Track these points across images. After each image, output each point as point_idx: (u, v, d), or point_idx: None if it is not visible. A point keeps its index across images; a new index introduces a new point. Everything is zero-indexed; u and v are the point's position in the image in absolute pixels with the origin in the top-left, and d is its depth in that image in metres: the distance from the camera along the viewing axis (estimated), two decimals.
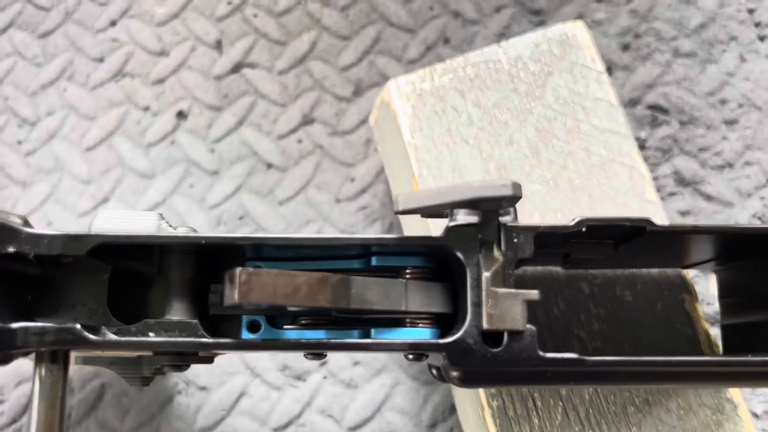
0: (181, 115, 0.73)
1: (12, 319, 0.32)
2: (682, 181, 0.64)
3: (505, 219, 0.33)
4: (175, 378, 0.65)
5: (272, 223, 0.69)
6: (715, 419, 0.45)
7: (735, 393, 0.46)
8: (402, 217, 0.61)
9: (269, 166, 0.71)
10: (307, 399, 0.63)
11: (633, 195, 0.50)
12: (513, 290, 0.32)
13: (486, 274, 0.32)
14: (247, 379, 0.64)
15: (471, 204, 0.31)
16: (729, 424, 0.45)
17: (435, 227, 0.51)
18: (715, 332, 0.49)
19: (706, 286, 0.61)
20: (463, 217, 0.34)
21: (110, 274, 0.36)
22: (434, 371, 0.40)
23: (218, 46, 0.75)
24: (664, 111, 0.67)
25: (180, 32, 0.76)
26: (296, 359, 0.64)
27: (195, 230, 0.37)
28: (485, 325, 0.31)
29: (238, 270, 0.29)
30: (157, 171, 0.72)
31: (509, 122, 0.52)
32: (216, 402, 0.64)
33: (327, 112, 0.72)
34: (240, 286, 0.29)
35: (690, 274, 0.49)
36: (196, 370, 0.65)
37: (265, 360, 0.64)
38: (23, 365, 0.67)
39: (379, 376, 0.63)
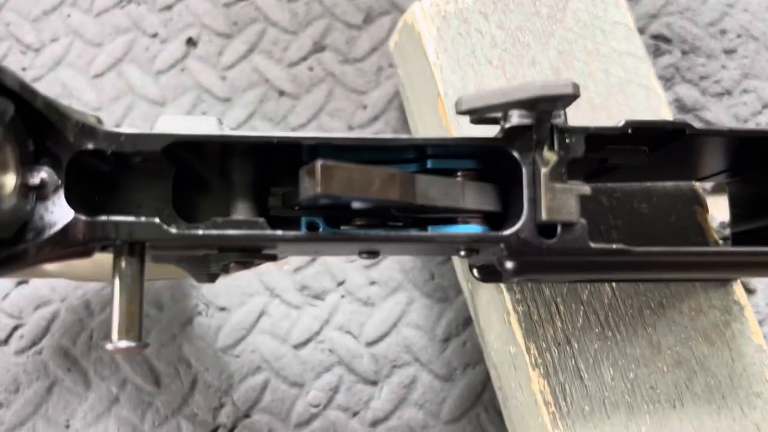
0: (191, 42, 0.73)
1: (89, 215, 0.33)
2: (683, 108, 0.67)
3: (557, 121, 0.36)
4: (195, 299, 0.67)
5: None
6: (723, 319, 0.49)
7: (741, 295, 0.50)
8: (419, 133, 0.63)
9: (281, 93, 0.72)
10: (326, 317, 0.66)
11: (649, 114, 0.52)
12: (568, 185, 0.34)
13: (544, 170, 0.34)
14: (267, 299, 0.66)
15: (530, 104, 0.33)
16: (736, 323, 0.49)
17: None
18: None
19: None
20: (517, 119, 0.36)
21: (173, 177, 0.38)
22: (475, 271, 0.42)
23: None
24: (667, 41, 0.69)
25: None
26: (314, 279, 0.66)
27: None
28: (544, 217, 0.34)
29: (320, 162, 0.31)
30: (168, 98, 0.72)
31: (531, 44, 0.54)
32: (236, 322, 0.66)
33: (338, 40, 0.72)
34: (322, 178, 0.31)
35: (701, 188, 0.52)
36: (215, 291, 0.67)
37: (283, 281, 0.67)
38: (41, 289, 0.68)
39: (394, 295, 0.66)
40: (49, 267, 0.54)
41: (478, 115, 0.36)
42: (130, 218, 0.33)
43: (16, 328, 0.67)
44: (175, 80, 0.72)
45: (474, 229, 0.36)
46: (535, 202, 0.34)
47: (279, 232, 0.34)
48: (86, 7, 0.75)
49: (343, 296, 0.66)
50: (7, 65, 0.71)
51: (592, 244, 0.34)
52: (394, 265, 0.67)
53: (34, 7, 0.75)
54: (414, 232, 0.36)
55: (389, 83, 0.70)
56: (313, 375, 0.65)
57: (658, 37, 0.69)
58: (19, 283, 0.68)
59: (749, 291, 0.64)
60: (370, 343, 0.65)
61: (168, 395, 0.65)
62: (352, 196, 0.32)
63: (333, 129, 0.70)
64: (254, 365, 0.65)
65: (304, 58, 0.72)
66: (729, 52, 0.69)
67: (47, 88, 0.73)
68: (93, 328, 0.67)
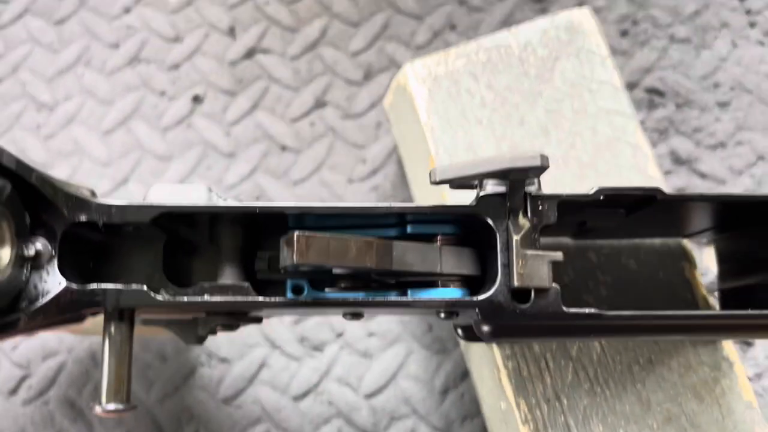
0: (197, 99, 0.76)
1: (81, 282, 0.35)
2: (678, 160, 0.68)
3: (530, 189, 0.37)
4: (197, 350, 0.68)
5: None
6: (713, 376, 0.49)
7: (731, 352, 0.50)
8: (417, 194, 0.64)
9: (283, 148, 0.74)
10: (325, 368, 0.67)
11: (636, 171, 0.53)
12: (540, 252, 0.35)
13: (516, 238, 0.35)
14: (267, 351, 0.68)
15: (502, 174, 0.35)
16: (725, 380, 0.49)
17: (451, 201, 0.54)
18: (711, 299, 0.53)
19: (700, 259, 0.65)
20: (492, 187, 0.37)
21: (164, 243, 0.39)
22: (460, 331, 0.43)
23: (231, 32, 0.78)
24: (661, 94, 0.70)
25: (193, 19, 0.79)
26: (313, 331, 0.68)
27: (242, 201, 0.40)
28: (516, 283, 0.35)
29: (296, 233, 0.33)
30: (174, 153, 0.74)
31: (520, 104, 0.55)
32: (237, 373, 0.67)
33: (338, 96, 0.75)
34: (298, 248, 0.32)
35: (689, 244, 0.53)
36: (217, 343, 0.68)
37: (284, 332, 0.68)
38: (49, 340, 0.70)
39: (393, 346, 0.67)
40: None
41: (454, 184, 0.37)
42: (118, 286, 0.34)
43: (24, 378, 0.69)
44: (181, 136, 0.75)
45: (452, 293, 0.37)
46: (509, 267, 0.35)
47: (261, 299, 0.36)
48: (99, 66, 0.78)
49: (342, 348, 0.67)
50: (23, 123, 0.74)
51: (566, 309, 0.35)
52: (392, 317, 0.68)
53: (50, 66, 0.78)
54: (392, 297, 0.37)
55: (388, 138, 0.72)
56: (312, 427, 0.65)
57: (651, 91, 0.71)
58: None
59: (747, 343, 0.64)
60: (369, 395, 0.66)
61: None
62: (330, 264, 0.34)
63: (333, 183, 0.72)
64: (254, 417, 0.66)
65: (306, 114, 0.74)
66: (723, 104, 0.70)
67: (60, 144, 0.75)
68: (98, 380, 0.69)
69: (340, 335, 0.68)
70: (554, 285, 0.35)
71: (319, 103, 0.75)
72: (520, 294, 0.36)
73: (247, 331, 0.68)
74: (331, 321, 0.68)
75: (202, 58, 0.77)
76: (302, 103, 0.75)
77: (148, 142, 0.74)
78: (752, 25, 0.72)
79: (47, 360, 0.69)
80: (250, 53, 0.77)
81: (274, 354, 0.67)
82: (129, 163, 0.74)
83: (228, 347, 0.68)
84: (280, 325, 0.68)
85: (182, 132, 0.75)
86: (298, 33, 0.77)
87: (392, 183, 0.72)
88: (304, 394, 0.66)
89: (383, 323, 0.67)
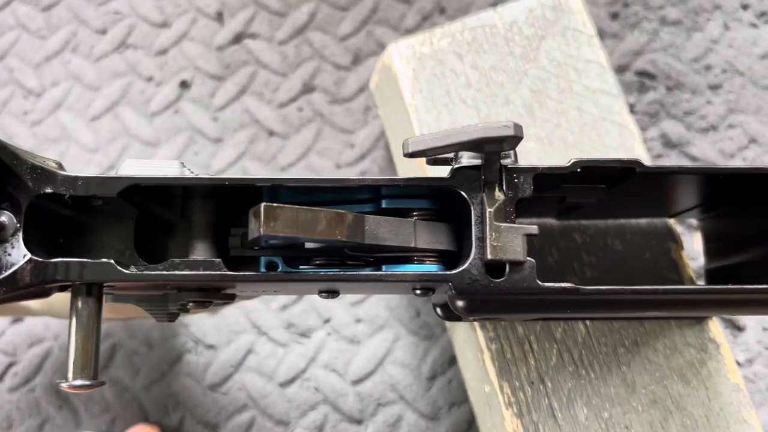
0: (184, 84, 0.75)
1: (49, 256, 0.34)
2: (669, 143, 0.67)
3: (506, 161, 0.36)
4: (184, 337, 0.68)
5: None
6: (699, 358, 0.48)
7: (717, 333, 0.49)
8: (402, 171, 0.63)
9: (271, 133, 0.73)
10: (312, 354, 0.66)
11: (623, 151, 0.52)
12: (514, 225, 0.34)
13: (489, 210, 0.34)
14: (254, 338, 0.67)
15: (475, 145, 0.34)
16: (712, 362, 0.48)
17: None
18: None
19: (690, 243, 0.64)
20: (467, 160, 0.36)
21: (136, 219, 0.39)
22: (438, 310, 0.43)
23: (219, 17, 0.77)
24: (652, 77, 0.70)
25: (181, 4, 0.78)
26: (301, 317, 0.67)
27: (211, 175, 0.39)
28: (489, 256, 0.34)
29: (263, 204, 0.32)
30: (161, 139, 0.74)
31: (505, 84, 0.55)
32: (224, 359, 0.67)
33: (326, 81, 0.74)
34: (265, 219, 0.32)
35: (676, 225, 0.52)
36: (204, 330, 0.67)
37: (270, 318, 0.67)
38: (35, 327, 0.69)
39: (380, 332, 0.66)
40: (33, 306, 0.55)
41: (428, 157, 0.36)
42: (82, 259, 0.34)
43: (10, 365, 0.68)
44: (168, 122, 0.74)
45: (426, 268, 0.37)
46: (483, 241, 0.35)
47: (231, 273, 0.35)
48: (86, 52, 0.77)
49: (329, 334, 0.67)
50: (10, 109, 0.73)
51: (541, 283, 0.34)
52: (380, 303, 0.67)
53: (37, 53, 0.78)
54: (365, 272, 0.36)
55: (376, 123, 0.71)
56: (298, 413, 0.65)
57: (642, 74, 0.70)
58: (15, 321, 0.69)
59: (738, 328, 0.63)
60: (356, 382, 0.65)
61: None
62: (299, 236, 0.33)
63: (321, 168, 0.71)
64: (241, 403, 0.65)
65: (294, 99, 0.74)
66: (714, 87, 0.69)
67: (47, 131, 0.75)
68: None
69: (327, 321, 0.67)
70: (529, 259, 0.34)
71: (307, 88, 0.74)
72: (495, 268, 0.35)
73: (233, 317, 0.67)
74: (318, 307, 0.67)
75: (189, 44, 0.76)
76: (290, 88, 0.74)
77: (136, 128, 0.74)
78: (745, 7, 0.71)
79: (33, 347, 0.69)
80: (237, 38, 0.76)
81: (261, 340, 0.67)
82: (116, 149, 0.74)
83: (215, 334, 0.67)
84: (266, 312, 0.67)
85: (169, 117, 0.74)
86: (286, 17, 0.76)
87: (380, 167, 0.71)
88: (291, 381, 0.66)
89: (371, 309, 0.67)
